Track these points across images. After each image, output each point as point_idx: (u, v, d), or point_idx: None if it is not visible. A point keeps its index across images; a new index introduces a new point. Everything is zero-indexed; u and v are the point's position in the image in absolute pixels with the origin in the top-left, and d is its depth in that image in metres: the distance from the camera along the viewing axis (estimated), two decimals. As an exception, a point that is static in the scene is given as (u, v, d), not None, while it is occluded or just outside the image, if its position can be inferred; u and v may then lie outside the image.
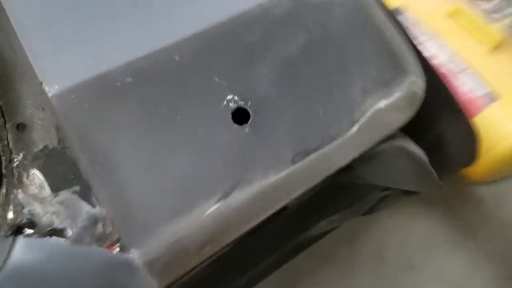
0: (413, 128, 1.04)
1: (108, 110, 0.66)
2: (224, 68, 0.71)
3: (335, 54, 0.76)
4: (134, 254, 0.65)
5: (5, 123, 0.71)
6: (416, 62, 0.82)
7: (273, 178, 0.70)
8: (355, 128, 0.74)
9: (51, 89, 0.65)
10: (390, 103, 0.76)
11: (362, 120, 0.74)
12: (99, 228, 0.69)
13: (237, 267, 1.09)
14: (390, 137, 0.81)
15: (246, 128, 0.70)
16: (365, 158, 0.83)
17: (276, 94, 0.72)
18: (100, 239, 0.69)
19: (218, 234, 0.69)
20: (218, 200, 0.67)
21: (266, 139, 0.70)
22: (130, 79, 0.67)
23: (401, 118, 0.80)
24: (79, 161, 0.66)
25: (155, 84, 0.68)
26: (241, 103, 0.70)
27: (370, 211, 1.18)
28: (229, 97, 0.70)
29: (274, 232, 1.06)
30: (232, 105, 0.70)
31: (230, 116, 0.69)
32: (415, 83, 0.79)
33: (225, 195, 0.68)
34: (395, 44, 0.81)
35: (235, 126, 0.69)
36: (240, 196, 0.68)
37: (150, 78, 0.68)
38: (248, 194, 0.69)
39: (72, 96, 0.66)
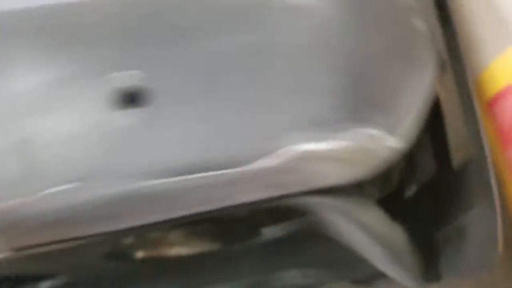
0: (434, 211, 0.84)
1: None
2: (132, 42, 0.64)
3: (277, 68, 0.63)
4: None
5: None
6: (405, 117, 0.65)
7: (148, 183, 0.61)
8: (261, 162, 0.61)
9: None
10: (322, 150, 0.61)
11: (274, 156, 0.60)
12: None
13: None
14: (331, 192, 0.66)
15: (131, 114, 0.62)
16: (296, 207, 0.69)
17: (182, 88, 0.62)
18: None
19: (65, 221, 0.63)
20: (79, 186, 0.61)
21: (149, 134, 0.61)
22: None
23: (343, 174, 0.63)
24: None
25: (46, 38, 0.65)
26: (137, 84, 0.62)
27: (366, 282, 0.98)
28: (125, 76, 0.62)
29: (229, 259, 0.95)
30: (125, 83, 0.62)
31: (118, 95, 0.62)
32: (378, 139, 0.62)
33: (89, 183, 0.61)
34: (373, 86, 0.64)
35: (119, 109, 0.62)
36: (93, 189, 0.61)
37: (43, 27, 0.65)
38: (117, 191, 0.61)
39: None
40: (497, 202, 0.73)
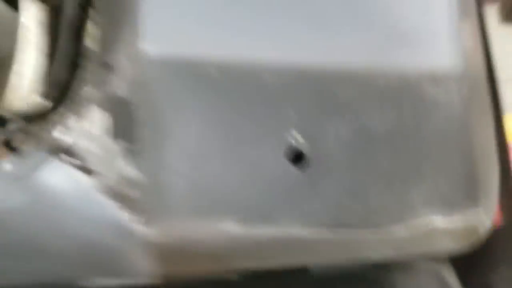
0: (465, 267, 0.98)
1: (183, 90, 0.67)
2: (304, 112, 0.70)
3: (417, 150, 0.72)
4: (144, 230, 0.65)
5: (98, 57, 0.73)
6: (494, 198, 0.78)
7: (299, 231, 0.68)
8: (400, 229, 0.70)
9: (148, 47, 0.67)
10: (446, 225, 0.72)
11: (412, 225, 0.71)
12: (127, 188, 0.66)
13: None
14: (431, 258, 0.77)
15: (296, 169, 0.68)
16: (398, 266, 0.79)
17: (339, 155, 0.70)
18: (122, 199, 0.66)
19: (224, 255, 0.68)
20: (241, 223, 0.67)
21: (308, 190, 0.68)
22: (216, 75, 0.68)
23: (451, 247, 0.75)
24: (137, 120, 0.67)
25: (233, 93, 0.69)
26: (303, 147, 0.69)
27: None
28: (295, 135, 0.69)
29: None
30: (293, 143, 0.69)
31: (286, 151, 0.68)
32: (480, 218, 0.75)
33: (251, 222, 0.67)
34: (481, 169, 0.76)
35: (286, 162, 0.68)
36: (262, 231, 0.67)
37: (232, 85, 0.69)
38: (271, 234, 0.67)
39: (163, 62, 0.67)
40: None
